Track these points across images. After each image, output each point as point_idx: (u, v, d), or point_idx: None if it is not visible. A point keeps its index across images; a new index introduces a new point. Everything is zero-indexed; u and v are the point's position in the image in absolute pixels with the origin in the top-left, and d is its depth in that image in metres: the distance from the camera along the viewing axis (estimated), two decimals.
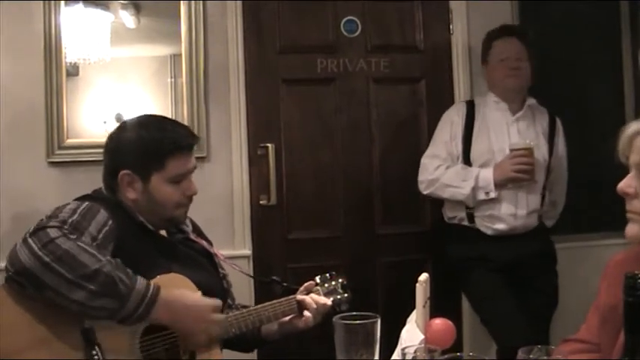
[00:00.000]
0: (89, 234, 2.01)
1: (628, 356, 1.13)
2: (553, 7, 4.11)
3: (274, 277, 2.64)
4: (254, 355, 3.58)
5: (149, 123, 2.36)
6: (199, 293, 2.18)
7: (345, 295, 2.55)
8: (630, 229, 1.66)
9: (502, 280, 3.48)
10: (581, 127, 3.79)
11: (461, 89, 4.08)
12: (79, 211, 2.07)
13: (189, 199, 2.36)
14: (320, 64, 4.00)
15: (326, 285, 2.52)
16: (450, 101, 4.06)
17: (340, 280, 2.57)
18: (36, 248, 1.88)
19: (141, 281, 1.97)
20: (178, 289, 2.09)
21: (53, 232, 1.92)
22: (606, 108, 4.19)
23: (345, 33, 4.03)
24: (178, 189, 2.30)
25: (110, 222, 2.11)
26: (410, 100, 4.11)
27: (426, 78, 4.11)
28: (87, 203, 2.13)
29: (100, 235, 2.05)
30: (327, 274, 2.56)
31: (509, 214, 3.49)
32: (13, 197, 3.53)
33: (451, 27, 4.11)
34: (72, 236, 1.93)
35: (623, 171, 1.69)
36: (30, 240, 1.90)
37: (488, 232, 3.53)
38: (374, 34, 4.07)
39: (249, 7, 3.91)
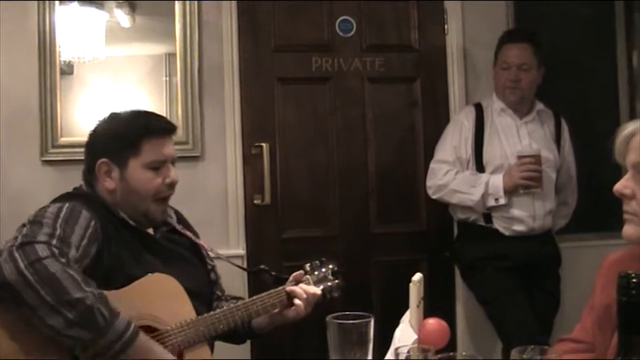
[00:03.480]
0: (74, 244, 1.97)
1: (621, 356, 1.13)
2: (548, 7, 4.11)
3: (262, 266, 2.58)
4: (248, 354, 3.58)
5: (122, 114, 2.37)
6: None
7: (336, 281, 2.50)
8: (628, 230, 1.66)
9: (515, 279, 3.52)
10: (576, 127, 3.79)
11: (455, 89, 4.08)
12: (62, 216, 2.03)
13: (170, 187, 2.32)
14: (315, 64, 4.00)
15: (316, 273, 2.48)
16: (444, 101, 4.08)
17: (330, 267, 2.52)
18: (22, 265, 1.82)
19: (122, 319, 1.91)
20: (157, 344, 2.02)
21: (42, 251, 1.86)
22: (601, 108, 4.19)
23: (340, 33, 4.03)
24: (156, 176, 2.28)
25: (93, 222, 2.09)
26: (405, 100, 4.11)
27: (420, 77, 4.11)
28: (68, 205, 2.10)
29: (84, 241, 2.02)
30: (317, 262, 2.52)
31: (527, 216, 3.53)
32: (7, 196, 3.53)
33: (446, 27, 4.11)
34: (62, 259, 1.88)
35: (620, 170, 1.69)
36: (16, 254, 1.84)
37: (507, 232, 3.55)
38: (369, 33, 4.07)
39: (244, 5, 3.91)
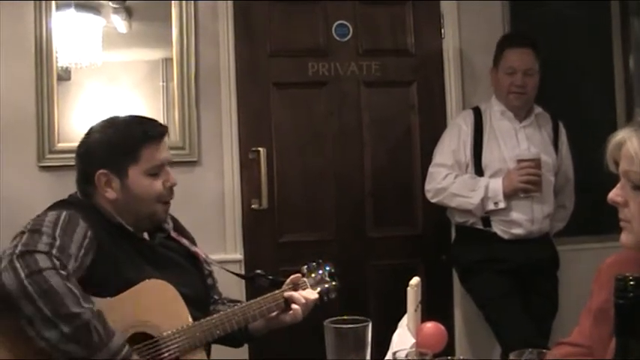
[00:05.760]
0: (73, 255, 1.96)
1: (619, 358, 1.13)
2: (544, 9, 4.12)
3: (258, 271, 2.57)
4: (246, 355, 3.58)
5: (115, 121, 2.35)
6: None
7: (333, 283, 2.51)
8: (623, 237, 1.68)
9: (512, 282, 3.52)
10: (572, 130, 3.79)
11: (452, 92, 4.08)
12: (60, 224, 2.02)
13: (170, 191, 2.33)
14: (311, 68, 4.00)
15: (313, 275, 2.49)
16: (441, 105, 4.08)
17: (328, 268, 2.53)
18: (22, 275, 1.81)
19: (117, 340, 1.91)
20: None
21: (43, 261, 1.85)
22: (598, 111, 4.19)
23: (336, 37, 4.03)
24: (157, 181, 2.28)
25: (89, 233, 2.07)
26: (401, 104, 4.10)
27: (417, 81, 4.11)
28: (66, 213, 2.08)
29: (81, 252, 2.01)
30: (314, 263, 2.52)
31: (526, 219, 3.53)
32: (4, 201, 3.51)
33: (442, 30, 4.11)
34: (62, 272, 1.87)
35: (614, 173, 1.70)
36: (17, 263, 1.83)
37: (506, 236, 3.55)
38: (365, 37, 4.07)
39: (241, 10, 3.91)
